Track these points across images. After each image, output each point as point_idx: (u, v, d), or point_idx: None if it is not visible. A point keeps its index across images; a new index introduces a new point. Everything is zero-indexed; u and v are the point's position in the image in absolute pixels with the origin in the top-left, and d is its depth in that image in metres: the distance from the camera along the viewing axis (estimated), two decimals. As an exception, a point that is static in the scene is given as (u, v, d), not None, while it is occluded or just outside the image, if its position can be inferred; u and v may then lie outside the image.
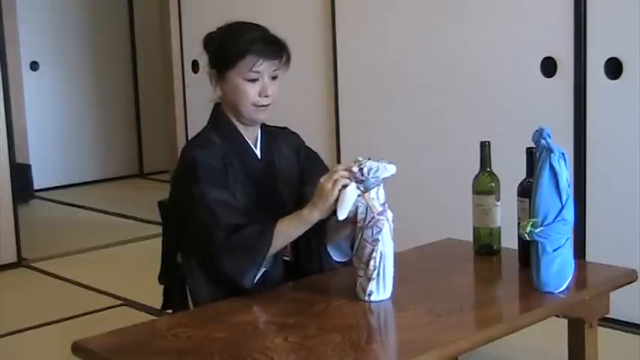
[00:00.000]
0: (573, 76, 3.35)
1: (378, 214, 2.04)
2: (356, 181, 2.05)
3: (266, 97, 2.28)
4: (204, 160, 2.24)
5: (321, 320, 1.98)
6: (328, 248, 2.30)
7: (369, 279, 2.06)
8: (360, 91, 4.21)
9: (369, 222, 2.05)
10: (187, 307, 2.31)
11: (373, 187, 2.05)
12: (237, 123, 2.34)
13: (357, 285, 2.09)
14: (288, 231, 2.17)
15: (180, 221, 2.32)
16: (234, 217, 2.18)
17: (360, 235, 2.06)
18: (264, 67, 2.26)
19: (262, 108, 2.29)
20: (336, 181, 2.05)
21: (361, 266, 2.07)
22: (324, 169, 2.46)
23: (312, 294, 2.16)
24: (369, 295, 2.07)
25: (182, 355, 1.82)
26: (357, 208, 2.05)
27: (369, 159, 2.07)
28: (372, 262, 2.05)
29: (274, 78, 2.30)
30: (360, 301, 2.07)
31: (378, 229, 2.04)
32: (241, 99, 2.28)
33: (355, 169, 2.05)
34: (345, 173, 2.05)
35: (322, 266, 2.34)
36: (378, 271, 2.06)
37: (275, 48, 2.29)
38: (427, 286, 2.24)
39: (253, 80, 2.27)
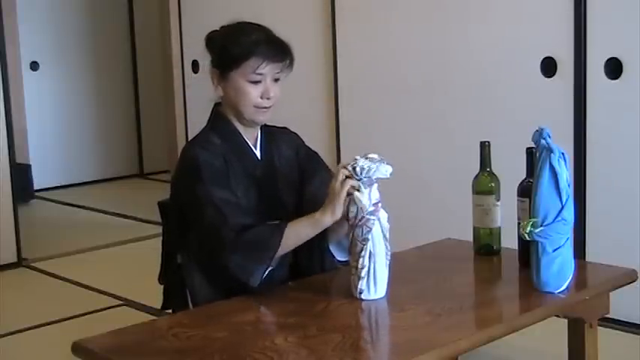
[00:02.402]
0: (573, 76, 3.35)
1: (368, 214, 2.05)
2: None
3: (268, 99, 2.27)
4: (206, 160, 2.23)
5: (321, 320, 1.98)
6: (330, 247, 2.30)
7: (359, 277, 2.08)
8: (360, 91, 4.21)
9: (359, 221, 2.06)
10: (187, 307, 2.30)
11: (366, 187, 2.06)
12: (237, 123, 2.34)
13: (351, 282, 2.10)
14: (299, 232, 2.17)
15: (180, 221, 2.31)
16: (241, 217, 2.17)
17: (351, 234, 2.08)
18: (267, 69, 2.26)
19: (263, 110, 2.29)
20: (343, 182, 2.06)
21: (353, 264, 2.09)
22: (324, 169, 2.46)
23: (312, 294, 2.16)
24: (360, 293, 2.08)
25: (182, 355, 1.82)
26: (349, 206, 2.07)
27: (367, 157, 2.08)
28: (361, 261, 2.06)
29: (276, 80, 2.29)
30: (360, 301, 2.08)
31: (368, 229, 2.06)
32: (243, 100, 2.28)
33: (349, 167, 2.06)
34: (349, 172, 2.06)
35: (324, 265, 2.33)
36: (368, 270, 2.07)
37: (279, 50, 2.28)
38: (427, 286, 2.24)
39: (256, 82, 2.26)
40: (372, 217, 2.06)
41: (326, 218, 2.12)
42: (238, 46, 2.26)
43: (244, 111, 2.29)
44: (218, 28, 2.37)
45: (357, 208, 2.06)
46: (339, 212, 2.10)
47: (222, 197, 2.19)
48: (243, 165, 2.31)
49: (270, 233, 2.15)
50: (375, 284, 2.08)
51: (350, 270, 2.12)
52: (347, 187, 2.06)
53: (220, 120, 2.35)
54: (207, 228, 2.19)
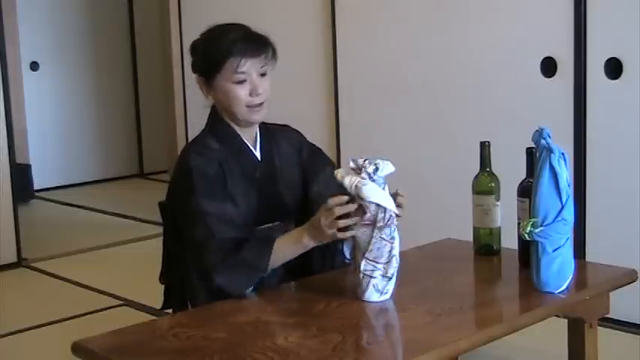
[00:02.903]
0: (573, 76, 3.35)
1: (393, 212, 2.05)
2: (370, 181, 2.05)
3: (257, 95, 2.24)
4: (199, 169, 2.21)
5: (321, 320, 1.98)
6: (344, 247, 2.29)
7: (389, 278, 2.06)
8: (360, 91, 4.21)
9: (387, 220, 2.04)
10: (187, 307, 2.30)
11: (385, 186, 2.05)
12: (234, 125, 2.32)
13: (370, 287, 2.06)
14: (284, 254, 2.17)
15: (177, 224, 2.31)
16: (230, 232, 2.16)
17: (377, 235, 2.04)
18: (248, 65, 2.23)
19: (257, 108, 2.26)
20: (333, 222, 2.04)
21: (378, 266, 2.05)
22: (328, 165, 2.44)
23: (312, 294, 2.16)
24: (385, 293, 2.07)
25: (182, 355, 1.82)
26: (377, 207, 2.04)
27: (366, 159, 2.06)
28: (394, 260, 2.05)
29: (263, 75, 2.26)
30: (360, 301, 2.07)
31: (394, 227, 2.05)
32: (233, 102, 2.25)
33: (371, 169, 2.04)
34: (347, 210, 2.03)
35: (334, 264, 2.34)
36: (394, 269, 2.07)
37: (257, 45, 2.25)
38: (427, 286, 2.24)
39: (241, 82, 2.23)
40: (394, 215, 2.05)
41: (312, 244, 2.14)
42: (215, 48, 2.24)
43: (237, 112, 2.27)
44: (198, 36, 2.34)
45: (385, 209, 2.03)
46: (325, 241, 2.11)
47: (211, 211, 2.17)
48: (242, 168, 2.29)
49: (256, 255, 2.14)
50: (394, 283, 2.09)
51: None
52: (338, 226, 2.04)
53: (218, 122, 2.33)
54: (197, 244, 2.18)
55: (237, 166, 2.29)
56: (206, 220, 2.16)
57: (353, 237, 2.09)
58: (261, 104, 2.27)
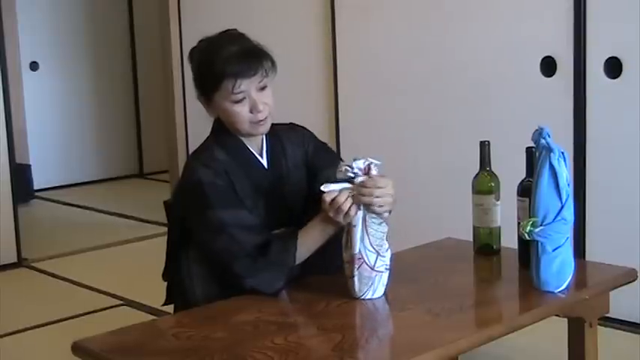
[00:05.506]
0: (573, 76, 3.35)
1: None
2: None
3: (259, 112, 2.21)
4: (210, 182, 2.19)
5: (321, 320, 1.98)
6: None
7: (390, 270, 2.09)
8: (360, 91, 4.21)
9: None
10: (188, 304, 2.29)
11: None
12: (240, 136, 2.29)
13: (378, 283, 2.08)
14: (309, 246, 2.18)
15: (182, 225, 2.30)
16: (252, 237, 2.16)
17: (387, 232, 2.08)
18: (246, 85, 2.18)
19: (261, 122, 2.23)
20: (337, 209, 2.05)
21: (385, 261, 2.08)
22: (335, 158, 2.43)
23: (312, 294, 2.16)
24: (386, 285, 2.10)
25: (182, 355, 1.82)
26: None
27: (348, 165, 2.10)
28: (389, 252, 2.09)
29: (263, 89, 2.22)
30: (360, 301, 2.07)
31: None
32: (235, 120, 2.22)
33: (375, 169, 2.07)
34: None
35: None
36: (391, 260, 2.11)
37: (252, 63, 2.19)
38: (427, 286, 2.24)
39: (240, 100, 2.20)
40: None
41: (331, 230, 2.15)
42: (209, 68, 2.20)
43: (241, 128, 2.24)
44: (197, 43, 2.30)
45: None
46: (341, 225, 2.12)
47: (233, 222, 2.16)
48: (249, 179, 2.27)
49: (282, 253, 2.14)
50: None
51: (357, 272, 2.12)
52: (349, 203, 2.05)
53: (224, 134, 2.30)
54: (221, 255, 2.17)
55: (245, 178, 2.26)
56: (227, 230, 2.15)
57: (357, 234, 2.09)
58: (264, 118, 2.24)
